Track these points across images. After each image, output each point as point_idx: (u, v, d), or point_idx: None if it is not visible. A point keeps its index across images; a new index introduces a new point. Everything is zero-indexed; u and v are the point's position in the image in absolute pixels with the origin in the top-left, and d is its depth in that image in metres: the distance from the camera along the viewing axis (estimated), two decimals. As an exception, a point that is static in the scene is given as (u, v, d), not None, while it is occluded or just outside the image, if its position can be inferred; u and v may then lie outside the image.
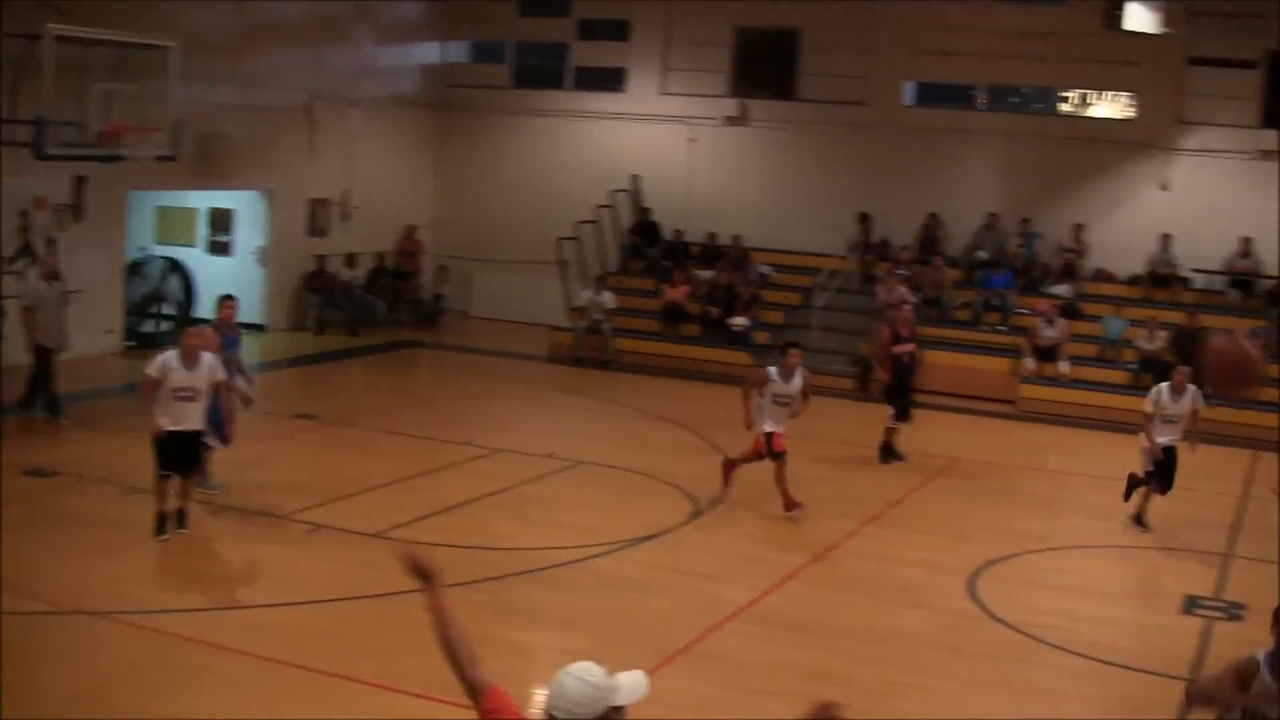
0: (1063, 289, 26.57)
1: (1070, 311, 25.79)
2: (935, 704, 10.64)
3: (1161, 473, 16.12)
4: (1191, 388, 16.28)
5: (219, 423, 14.54)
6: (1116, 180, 27.50)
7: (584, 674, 5.03)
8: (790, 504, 15.65)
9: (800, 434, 21.16)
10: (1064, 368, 24.49)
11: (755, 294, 27.41)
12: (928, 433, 20.35)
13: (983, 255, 27.52)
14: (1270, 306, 25.38)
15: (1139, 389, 23.61)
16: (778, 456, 15.70)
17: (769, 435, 15.71)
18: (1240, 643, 12.47)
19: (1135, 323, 25.12)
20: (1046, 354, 24.66)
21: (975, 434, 19.97)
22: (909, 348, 19.52)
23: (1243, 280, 26.32)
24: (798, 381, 15.97)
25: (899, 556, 14.63)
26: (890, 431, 19.26)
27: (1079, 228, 27.17)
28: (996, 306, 26.41)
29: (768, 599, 12.88)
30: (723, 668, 10.94)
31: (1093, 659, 11.84)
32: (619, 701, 5.02)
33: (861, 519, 15.84)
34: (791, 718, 5.11)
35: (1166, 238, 26.56)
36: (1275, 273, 25.84)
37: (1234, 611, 13.48)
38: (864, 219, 28.35)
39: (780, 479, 15.69)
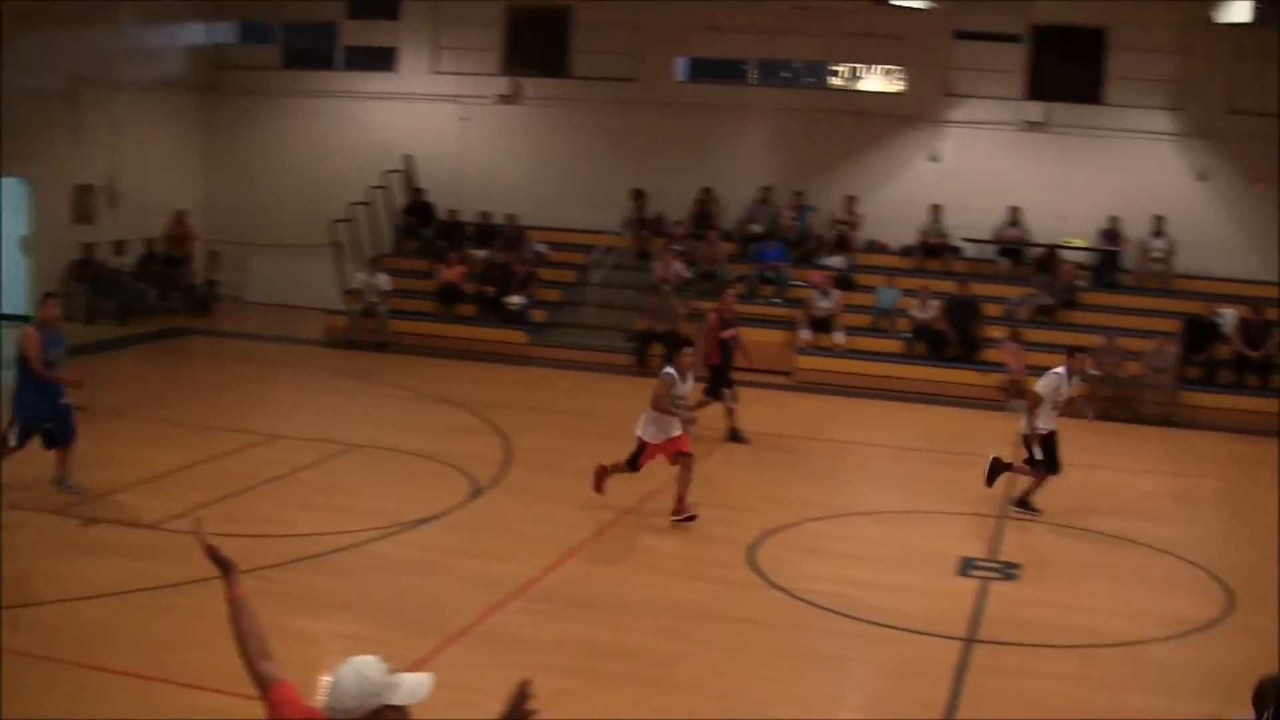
0: (836, 261, 26.94)
1: (844, 283, 26.16)
2: (718, 673, 10.65)
3: (1051, 456, 16.17)
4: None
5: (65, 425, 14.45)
6: (887, 153, 27.98)
7: (362, 668, 4.90)
8: (682, 510, 14.87)
9: (581, 410, 21.28)
10: (839, 338, 24.85)
11: (531, 272, 27.29)
12: (707, 407, 20.41)
13: (757, 229, 27.77)
14: (1039, 273, 26.03)
15: (913, 358, 24.21)
16: (685, 457, 14.91)
17: (650, 444, 14.94)
18: (1015, 602, 12.81)
19: (908, 292, 25.58)
20: (822, 325, 25.00)
21: (754, 406, 20.07)
22: (732, 332, 19.60)
23: (1012, 249, 26.98)
24: (690, 382, 15.47)
25: (680, 529, 14.64)
26: (732, 414, 19.33)
27: (851, 200, 27.56)
28: (771, 279, 26.65)
29: (549, 576, 12.79)
30: (505, 647, 10.83)
31: (872, 623, 11.99)
32: (395, 700, 4.89)
33: (642, 493, 15.82)
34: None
35: (937, 208, 27.09)
36: (1043, 241, 26.54)
37: (1008, 572, 13.77)
38: (638, 195, 28.41)
39: (685, 482, 14.89)
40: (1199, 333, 24.10)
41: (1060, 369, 16.24)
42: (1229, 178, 26.44)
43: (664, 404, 14.82)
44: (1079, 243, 26.57)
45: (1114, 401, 23.01)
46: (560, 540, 13.87)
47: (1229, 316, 24.45)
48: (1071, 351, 16.59)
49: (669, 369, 15.16)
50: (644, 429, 14.95)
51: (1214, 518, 17.48)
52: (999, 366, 24.08)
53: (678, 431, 14.87)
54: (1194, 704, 10.74)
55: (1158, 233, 26.30)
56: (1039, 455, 16.10)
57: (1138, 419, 22.84)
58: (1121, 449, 20.71)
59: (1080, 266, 26.32)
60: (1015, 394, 22.55)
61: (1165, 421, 22.81)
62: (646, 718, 9.59)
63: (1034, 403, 16.08)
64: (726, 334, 19.44)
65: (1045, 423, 16.07)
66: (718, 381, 19.42)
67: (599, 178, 28.73)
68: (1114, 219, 26.54)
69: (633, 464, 15.06)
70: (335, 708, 4.85)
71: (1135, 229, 26.51)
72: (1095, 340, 23.34)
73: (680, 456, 14.86)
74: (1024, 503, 16.16)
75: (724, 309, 19.73)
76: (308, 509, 14.67)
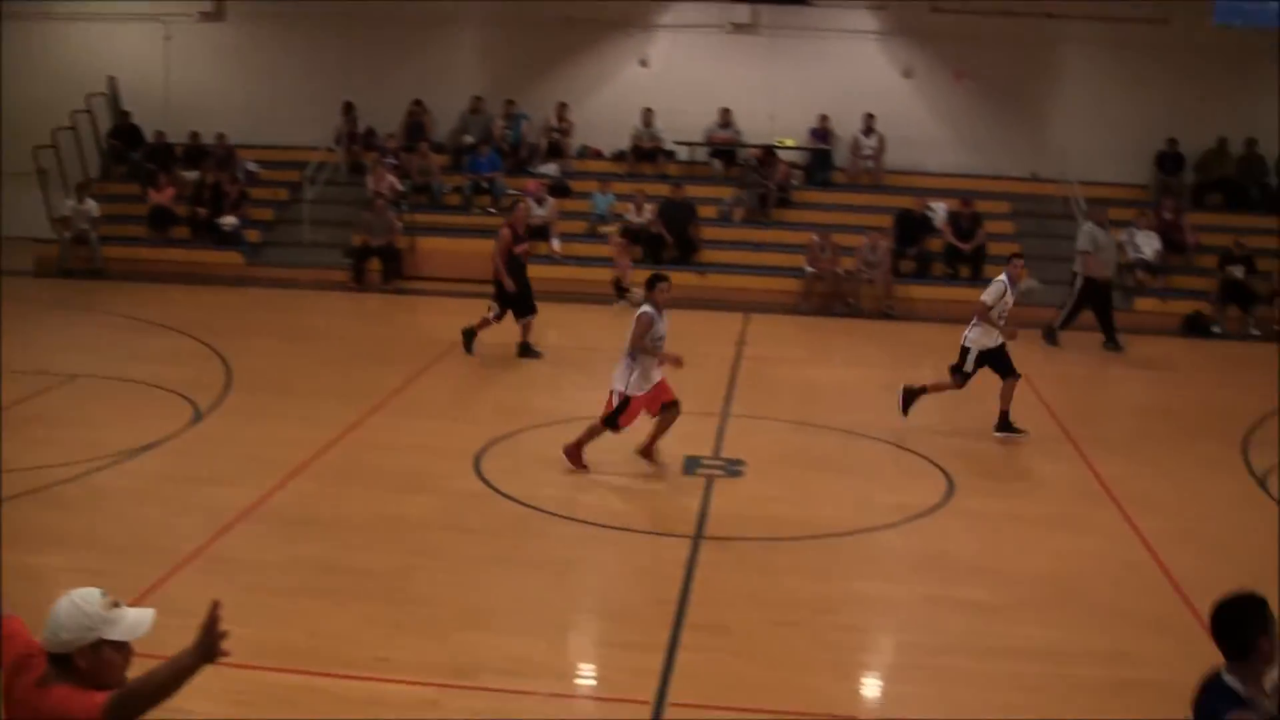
0: (550, 168, 26.81)
1: (559, 190, 26.03)
2: (449, 584, 10.49)
3: (1006, 365, 15.64)
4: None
5: None
6: (597, 59, 27.86)
7: (81, 601, 4.73)
8: (651, 451, 13.73)
9: (300, 329, 20.77)
10: (556, 245, 24.71)
11: (243, 192, 26.53)
12: (427, 318, 20.19)
13: (469, 139, 27.44)
14: (752, 172, 26.24)
15: (632, 262, 24.15)
16: (671, 407, 13.54)
17: (634, 398, 13.38)
18: (741, 498, 12.89)
19: (623, 197, 25.54)
20: (538, 233, 24.79)
21: (475, 316, 19.81)
22: (526, 246, 18.97)
23: (724, 150, 27.14)
24: (665, 319, 13.54)
25: (404, 443, 14.41)
26: (527, 329, 18.85)
27: (563, 107, 27.40)
28: (486, 189, 26.37)
29: (275, 497, 12.43)
30: (236, 570, 10.47)
31: (601, 525, 11.95)
32: (113, 635, 4.72)
33: (365, 409, 15.50)
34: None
35: (649, 112, 27.09)
36: (755, 141, 26.76)
37: (733, 469, 13.85)
38: (349, 109, 27.79)
39: (663, 429, 13.65)
40: (911, 227, 24.63)
41: (1002, 277, 15.62)
42: (934, 74, 26.99)
43: (646, 346, 13.21)
44: (790, 142, 26.89)
45: (830, 297, 23.39)
46: (284, 461, 13.48)
47: (939, 210, 25.05)
48: (1010, 259, 16.18)
49: (646, 307, 13.31)
50: (624, 380, 13.31)
51: (932, 406, 17.85)
52: (718, 267, 24.27)
53: (659, 377, 13.48)
54: (918, 587, 10.95)
55: (868, 130, 26.75)
56: (969, 368, 15.64)
57: (854, 313, 23.27)
58: (839, 343, 21.08)
59: (792, 165, 26.63)
60: (621, 291, 22.81)
61: (881, 315, 23.31)
62: (379, 632, 9.36)
63: (981, 312, 15.41)
64: (520, 249, 18.82)
65: (989, 337, 15.49)
66: (510, 298, 18.74)
67: (308, 93, 28.00)
68: (824, 118, 26.91)
69: (612, 423, 13.43)
70: (52, 641, 4.70)
71: (845, 127, 26.93)
72: (810, 238, 23.67)
73: (666, 407, 13.53)
74: (1008, 424, 15.64)
75: (516, 222, 19.00)
76: (25, 443, 13.94)
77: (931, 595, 10.87)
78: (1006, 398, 15.59)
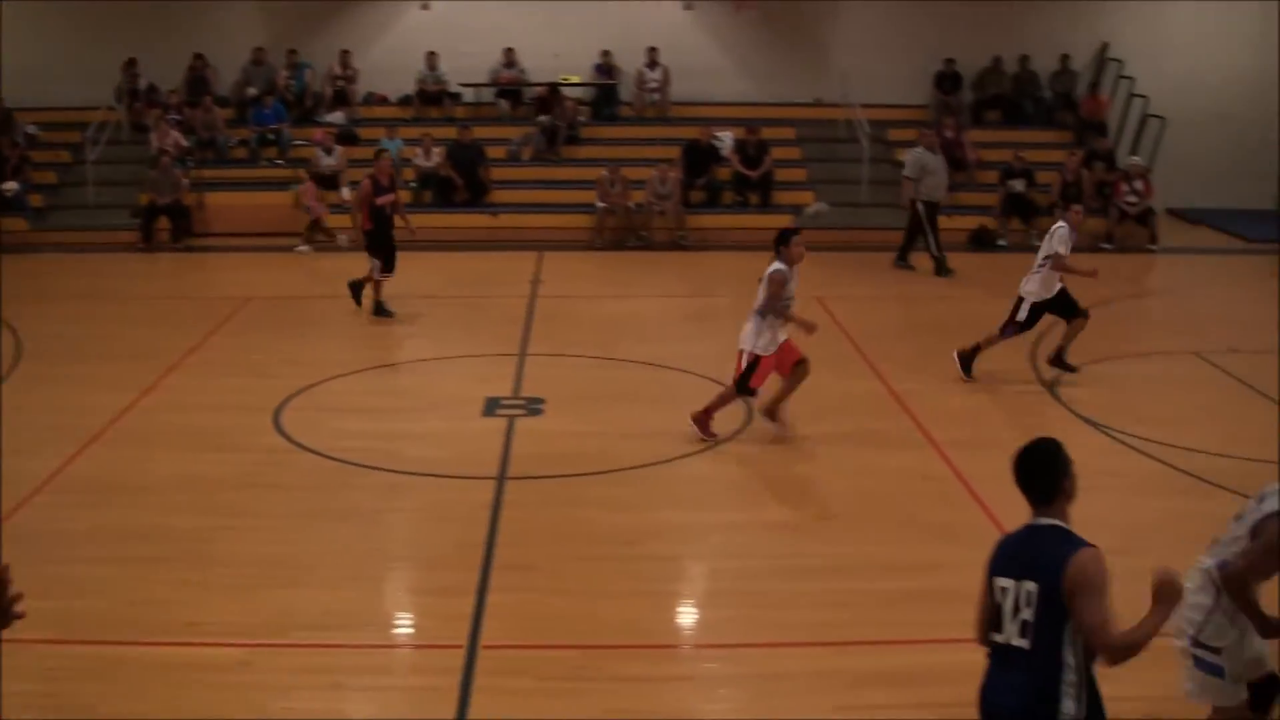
0: (337, 116, 26.43)
1: (347, 137, 25.70)
2: (256, 542, 10.41)
3: (1069, 306, 15.24)
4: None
5: None
6: (378, 3, 27.46)
7: None
8: (777, 413, 13.15)
9: (91, 293, 20.22)
10: (345, 194, 24.39)
11: (23, 155, 25.63)
12: (220, 275, 19.88)
13: (253, 91, 26.88)
14: (539, 114, 26.17)
15: (422, 206, 23.98)
16: (800, 365, 12.95)
17: (764, 358, 12.81)
18: (543, 435, 12.96)
19: (411, 142, 25.33)
20: (328, 182, 24.48)
21: (267, 271, 19.62)
22: (390, 197, 18.29)
23: (510, 90, 27.03)
24: (796, 277, 12.93)
25: (202, 403, 14.18)
26: (379, 286, 18.32)
27: (346, 54, 27.00)
28: (272, 141, 25.91)
29: (73, 465, 12.18)
30: (36, 543, 10.22)
31: (405, 473, 11.94)
32: None
33: (161, 370, 15.22)
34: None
35: (433, 55, 26.84)
36: (540, 80, 26.69)
37: (533, 407, 13.91)
38: (129, 65, 27.03)
39: (790, 390, 13.07)
40: (699, 157, 24.79)
41: (1062, 224, 15.01)
42: (715, 5, 27.14)
43: (779, 308, 12.69)
44: (575, 79, 26.85)
45: (622, 231, 23.50)
46: (82, 428, 13.18)
47: (726, 139, 25.25)
48: (1067, 205, 15.88)
49: (778, 264, 12.65)
50: (753, 341, 12.75)
51: (728, 333, 18.02)
52: (509, 208, 24.25)
53: (785, 336, 12.92)
54: (724, 513, 11.13)
55: (652, 63, 26.83)
56: (1022, 317, 15.13)
57: (648, 246, 23.41)
58: (634, 277, 21.22)
59: (579, 102, 26.64)
60: (316, 235, 22.81)
61: (674, 245, 23.48)
62: (187, 595, 9.26)
63: (1060, 263, 14.82)
64: (383, 200, 18.14)
65: (1048, 288, 15.00)
66: (374, 249, 18.14)
67: (86, 51, 27.03)
68: (606, 53, 26.91)
69: (744, 386, 12.85)
70: None
71: (630, 61, 26.96)
72: (600, 173, 23.72)
73: (796, 367, 12.95)
74: (1061, 361, 15.38)
75: (379, 173, 18.32)
76: None
77: (738, 520, 11.08)
78: (1070, 336, 15.32)
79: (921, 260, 22.01)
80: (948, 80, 27.37)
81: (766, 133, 25.29)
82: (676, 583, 10.11)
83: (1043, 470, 5.87)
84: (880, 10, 27.30)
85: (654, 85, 26.91)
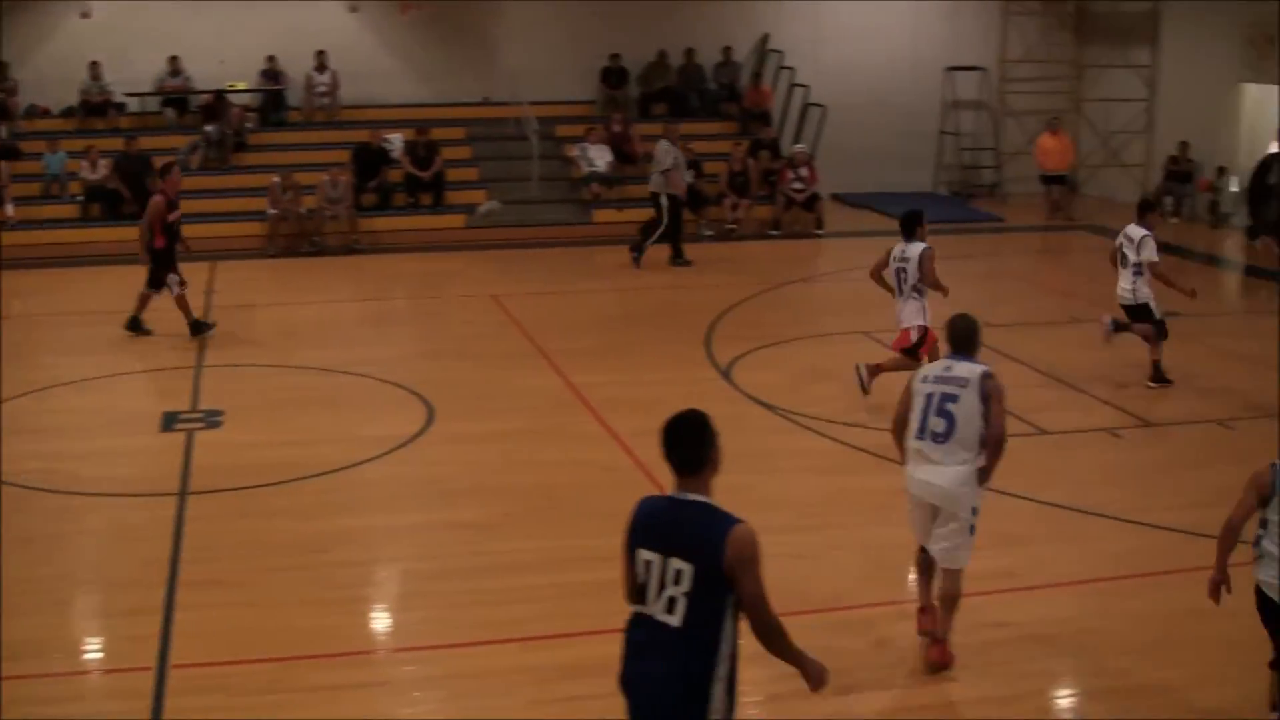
0: (-4, 130, 25.53)
1: (8, 152, 24.81)
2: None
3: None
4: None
5: None
6: (37, 14, 26.53)
7: None
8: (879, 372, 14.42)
9: None
10: (9, 210, 23.63)
11: None
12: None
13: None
14: (206, 122, 25.67)
15: (90, 220, 23.36)
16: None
17: (931, 328, 13.71)
18: (223, 448, 12.84)
19: (75, 154, 24.61)
20: (-12, 198, 23.65)
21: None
22: (179, 214, 17.60)
23: (177, 99, 26.49)
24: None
25: None
26: (146, 300, 17.51)
27: (4, 66, 26.04)
28: (-73, 156, 24.85)
29: None
30: None
31: (84, 494, 11.71)
32: None
33: None
34: None
35: (95, 65, 26.10)
36: (207, 87, 26.22)
37: (212, 419, 13.76)
38: None
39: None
40: (369, 160, 24.72)
41: (1145, 231, 15.21)
42: (380, 6, 27.07)
43: (938, 280, 13.92)
44: (242, 85, 26.47)
45: (296, 237, 23.30)
46: None
47: (396, 141, 25.24)
48: (1144, 211, 15.53)
49: (924, 245, 13.89)
50: (921, 315, 13.90)
51: (405, 335, 18.20)
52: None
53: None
54: (411, 515, 11.23)
55: (320, 67, 26.62)
56: (1159, 316, 15.33)
57: (322, 251, 23.24)
58: (309, 283, 21.08)
59: (246, 109, 26.29)
60: None
61: (348, 250, 23.35)
62: None
63: (1157, 272, 15.12)
64: (173, 216, 17.45)
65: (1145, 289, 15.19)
66: (162, 268, 17.42)
67: None
68: (272, 58, 26.59)
69: (914, 353, 13.87)
70: None
71: (298, 66, 26.68)
72: (271, 179, 23.47)
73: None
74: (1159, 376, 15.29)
75: (169, 188, 17.55)
76: None
77: (425, 521, 11.19)
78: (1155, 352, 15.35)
79: (600, 253, 22.41)
80: (614, 75, 27.84)
81: (436, 133, 25.37)
82: (367, 588, 10.16)
83: (691, 440, 5.95)
84: (546, 8, 27.60)
85: (323, 89, 26.72)
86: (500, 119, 26.84)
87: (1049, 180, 27.61)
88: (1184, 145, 26.97)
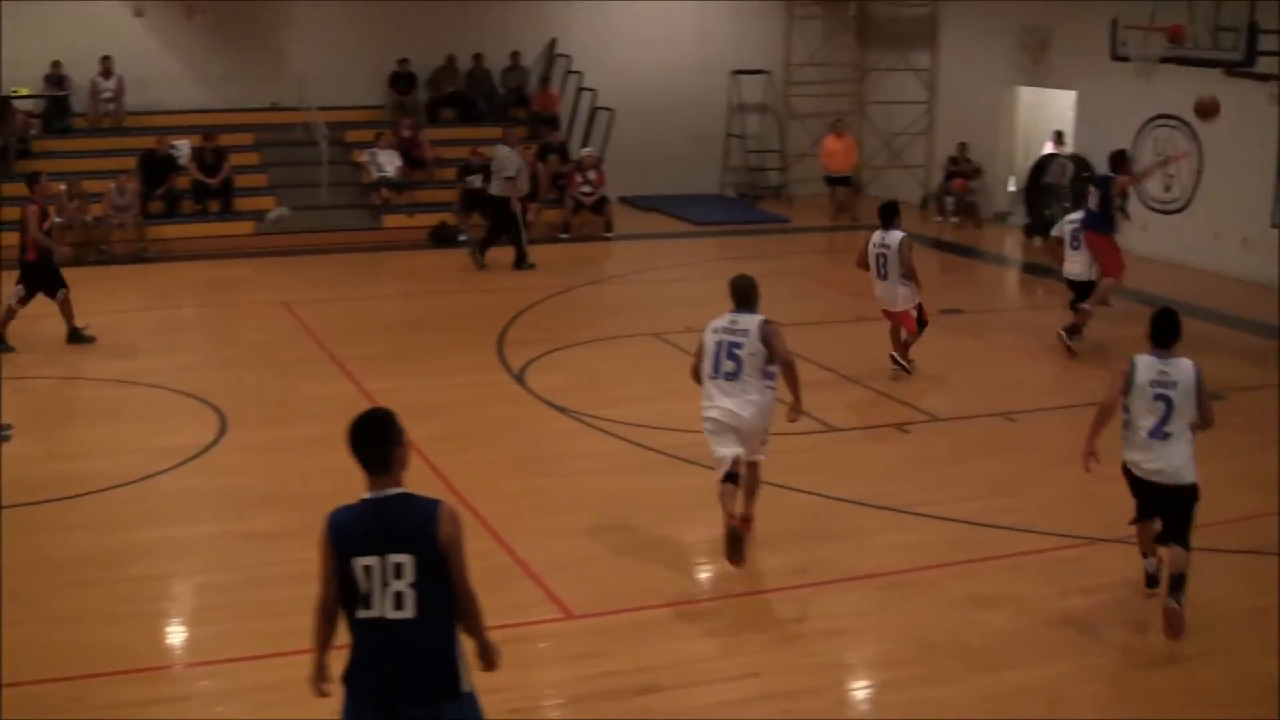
0: None
1: None
2: None
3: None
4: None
5: None
6: None
7: None
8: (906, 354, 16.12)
9: None
10: None
11: None
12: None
13: None
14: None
15: None
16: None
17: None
18: (11, 463, 12.60)
19: None
20: None
21: None
22: (50, 222, 17.10)
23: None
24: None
25: None
26: (11, 314, 16.94)
27: None
28: None
29: None
30: None
31: None
32: None
33: None
34: None
35: None
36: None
37: (2, 434, 13.50)
38: None
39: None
40: (156, 167, 24.34)
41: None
42: (166, 11, 26.61)
43: (914, 268, 15.65)
44: (24, 91, 25.84)
45: (83, 246, 22.84)
46: None
47: (183, 147, 24.90)
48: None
49: (901, 233, 15.65)
50: (914, 296, 15.66)
51: (196, 344, 18.01)
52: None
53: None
54: (206, 526, 11.17)
55: (106, 73, 26.09)
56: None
57: (109, 260, 22.84)
58: (97, 293, 20.66)
59: (30, 115, 25.69)
60: None
61: (136, 258, 22.98)
62: None
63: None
64: (47, 224, 17.00)
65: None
66: (39, 280, 17.00)
67: None
68: (57, 63, 26.00)
69: (923, 325, 16.00)
70: None
71: (83, 72, 26.10)
72: (56, 187, 22.96)
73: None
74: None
75: (39, 196, 17.13)
76: None
77: (221, 532, 11.16)
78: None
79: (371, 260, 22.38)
80: (402, 80, 27.75)
81: (224, 139, 25.07)
82: (165, 602, 10.10)
83: (377, 438, 6.09)
84: (333, 13, 27.43)
85: (109, 95, 26.19)
86: (288, 124, 26.57)
87: (834, 181, 28.28)
88: (963, 146, 27.80)
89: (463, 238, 24.64)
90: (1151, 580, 9.94)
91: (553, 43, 28.77)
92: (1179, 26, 18.17)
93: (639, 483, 12.37)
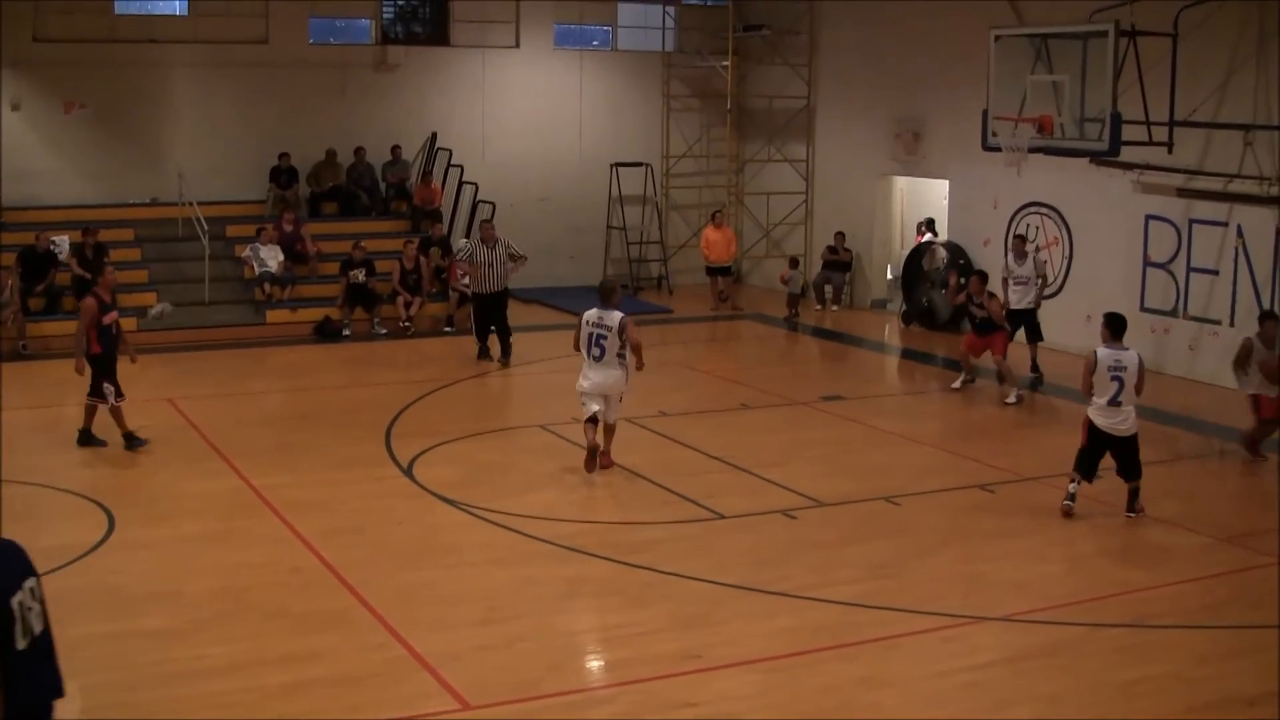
0: None
1: None
2: None
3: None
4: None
5: None
6: None
7: None
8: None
9: None
10: None
11: None
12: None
13: None
14: None
15: None
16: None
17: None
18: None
19: None
20: None
21: None
22: (115, 315, 16.63)
23: None
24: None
25: None
26: (120, 413, 16.56)
27: None
28: None
29: None
30: None
31: None
32: None
33: None
34: None
35: None
36: None
37: (-117, 536, 13.29)
38: None
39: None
40: (35, 263, 24.14)
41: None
42: (44, 105, 26.53)
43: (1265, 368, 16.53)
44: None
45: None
46: None
47: (63, 243, 24.72)
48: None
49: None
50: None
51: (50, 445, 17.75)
52: None
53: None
54: (97, 625, 11.08)
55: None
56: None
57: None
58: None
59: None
60: None
61: (15, 355, 22.74)
62: None
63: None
64: (108, 319, 16.48)
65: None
66: (101, 375, 16.52)
67: None
68: (-68, 158, 25.82)
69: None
70: None
71: (-43, 166, 25.93)
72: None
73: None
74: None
75: (103, 289, 16.65)
76: None
77: (111, 632, 11.04)
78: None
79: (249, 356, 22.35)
80: (283, 174, 27.82)
81: (105, 234, 24.94)
82: (57, 704, 9.98)
83: None
84: (214, 107, 27.49)
85: (-11, 188, 25.99)
86: (170, 219, 26.54)
87: (714, 271, 28.72)
88: (840, 235, 28.35)
89: (346, 332, 24.69)
90: (1070, 496, 14.13)
91: (434, 136, 28.99)
92: (1047, 117, 18.74)
93: (529, 573, 12.47)
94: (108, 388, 16.58)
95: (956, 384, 20.29)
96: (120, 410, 16.69)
